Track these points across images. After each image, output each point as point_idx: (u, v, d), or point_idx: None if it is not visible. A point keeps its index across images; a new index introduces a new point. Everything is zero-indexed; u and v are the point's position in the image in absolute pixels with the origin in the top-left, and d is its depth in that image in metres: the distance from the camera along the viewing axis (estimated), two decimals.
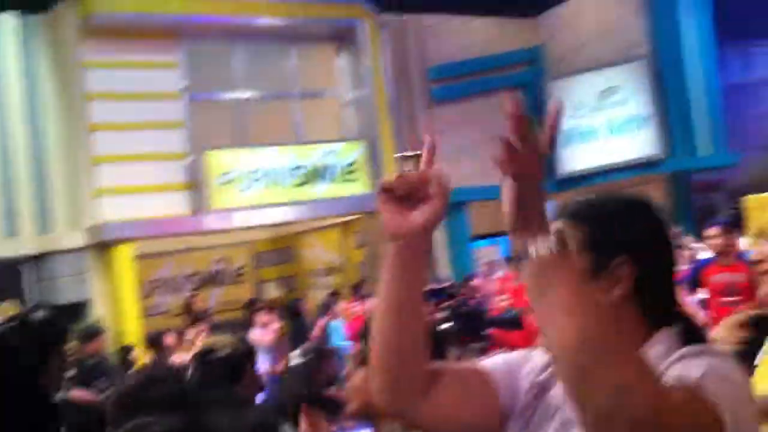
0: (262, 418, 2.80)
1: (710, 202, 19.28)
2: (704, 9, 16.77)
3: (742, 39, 20.84)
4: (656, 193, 16.60)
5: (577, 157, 16.00)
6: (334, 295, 11.69)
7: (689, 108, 16.27)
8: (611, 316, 1.19)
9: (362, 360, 2.77)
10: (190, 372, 3.03)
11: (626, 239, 1.34)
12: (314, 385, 3.34)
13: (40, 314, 2.66)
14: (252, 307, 10.59)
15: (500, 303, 9.60)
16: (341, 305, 10.84)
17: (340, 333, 10.56)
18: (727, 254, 6.69)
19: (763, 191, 19.85)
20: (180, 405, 2.08)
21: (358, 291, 11.92)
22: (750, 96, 21.38)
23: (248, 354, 3.14)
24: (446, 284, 11.32)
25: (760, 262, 1.55)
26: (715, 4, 16.93)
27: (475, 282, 12.00)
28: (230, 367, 2.98)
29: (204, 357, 3.03)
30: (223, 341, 3.14)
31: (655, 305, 1.32)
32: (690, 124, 16.26)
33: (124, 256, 10.73)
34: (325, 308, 11.06)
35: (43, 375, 2.49)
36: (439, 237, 14.89)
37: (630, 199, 1.44)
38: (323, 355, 4.17)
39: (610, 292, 1.30)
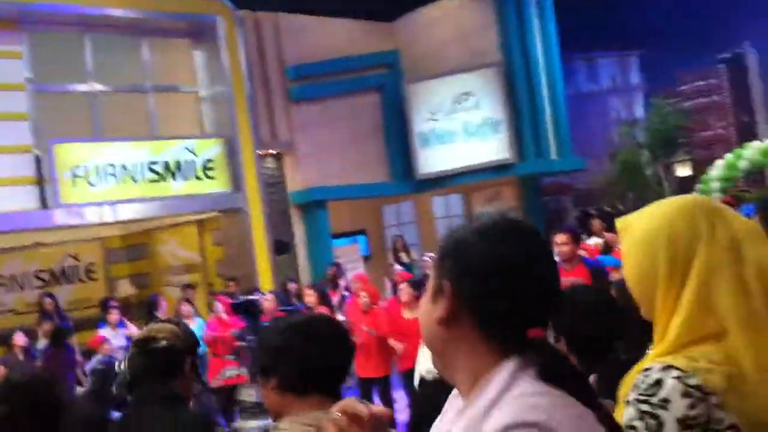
0: (194, 418, 2.66)
1: (559, 204, 20.35)
2: (551, 20, 17.69)
3: (587, 50, 22.16)
4: (509, 195, 17.36)
5: (435, 158, 16.47)
6: (189, 287, 11.53)
7: (538, 114, 17.04)
8: (446, 333, 1.36)
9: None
10: (125, 361, 2.76)
11: (456, 264, 1.36)
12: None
13: None
14: (106, 305, 10.32)
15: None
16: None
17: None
18: (572, 260, 7.05)
19: (606, 195, 21.16)
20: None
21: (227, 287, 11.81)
22: (595, 104, 22.77)
23: (191, 347, 2.83)
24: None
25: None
26: (560, 16, 17.91)
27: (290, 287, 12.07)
28: (169, 361, 2.68)
29: (144, 346, 2.70)
30: (164, 330, 2.76)
31: (499, 331, 1.32)
32: (539, 129, 17.03)
33: None
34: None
35: None
36: (299, 234, 15.00)
37: (486, 225, 1.39)
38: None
39: (437, 309, 1.37)
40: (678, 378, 1.47)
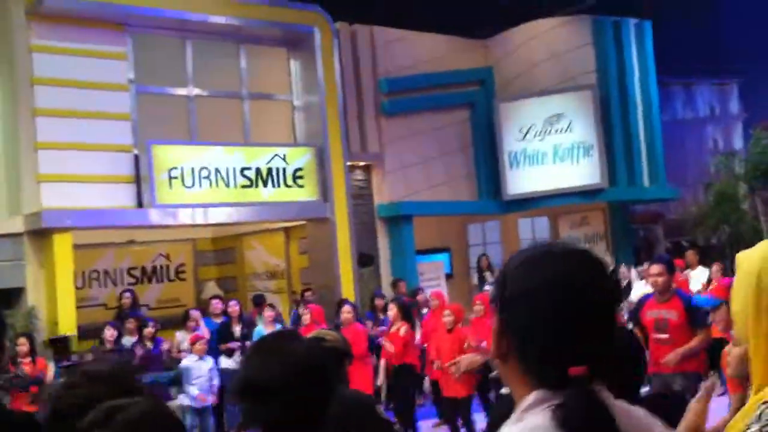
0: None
1: (649, 233, 19.78)
2: (648, 43, 17.32)
3: (685, 76, 21.60)
4: (597, 221, 16.97)
5: (524, 179, 16.26)
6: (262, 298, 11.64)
7: (632, 140, 16.68)
8: (503, 365, 1.36)
9: None
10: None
11: (501, 295, 1.35)
12: None
13: None
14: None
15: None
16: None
17: None
18: (666, 291, 6.87)
19: (698, 225, 20.45)
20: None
21: (302, 297, 11.89)
22: (690, 132, 22.12)
23: (348, 353, 3.23)
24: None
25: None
26: (659, 39, 17.51)
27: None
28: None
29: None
30: (331, 334, 3.22)
31: (536, 367, 1.30)
32: (632, 155, 16.66)
33: (63, 244, 10.46)
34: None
35: None
36: (383, 248, 14.96)
37: (531, 254, 1.36)
38: None
39: (494, 345, 1.37)
40: None
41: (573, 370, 1.26)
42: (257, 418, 1.83)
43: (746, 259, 1.64)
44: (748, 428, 1.52)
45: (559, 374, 1.26)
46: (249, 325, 10.75)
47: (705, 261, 13.01)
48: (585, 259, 1.34)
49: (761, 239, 1.70)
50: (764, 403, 1.52)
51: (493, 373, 3.61)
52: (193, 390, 9.09)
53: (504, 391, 3.72)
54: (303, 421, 1.81)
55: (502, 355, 1.34)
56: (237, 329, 10.46)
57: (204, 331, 10.04)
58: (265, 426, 1.83)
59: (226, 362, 10.13)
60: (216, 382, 9.49)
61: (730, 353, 1.62)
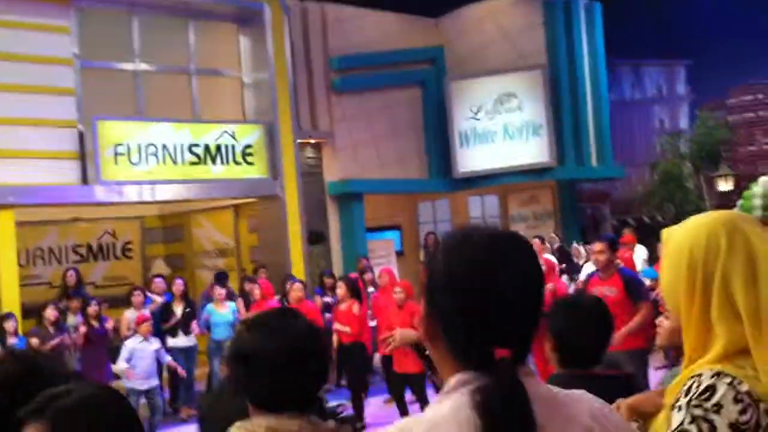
0: None
1: (596, 212, 20.12)
2: (598, 25, 17.51)
3: (634, 57, 21.90)
4: (545, 199, 17.21)
5: (474, 158, 16.38)
6: (223, 274, 11.57)
7: (581, 120, 16.89)
8: (430, 347, 1.38)
9: None
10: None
11: (426, 279, 1.37)
12: None
13: None
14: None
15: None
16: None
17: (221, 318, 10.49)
18: (608, 269, 7.01)
19: (644, 204, 20.88)
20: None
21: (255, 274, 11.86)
22: (637, 113, 22.47)
23: None
24: None
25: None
26: (608, 21, 17.71)
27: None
28: None
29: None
30: None
31: (460, 349, 1.30)
32: (581, 135, 16.88)
33: (5, 221, 10.24)
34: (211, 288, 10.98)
35: None
36: (334, 226, 14.98)
37: (453, 236, 1.38)
38: None
39: (420, 326, 1.39)
40: (730, 384, 1.51)
41: (499, 352, 1.28)
42: (248, 389, 1.89)
43: (674, 235, 1.67)
44: (677, 401, 1.56)
45: (483, 357, 1.28)
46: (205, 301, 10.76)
47: (644, 239, 13.32)
48: (507, 241, 1.35)
49: None
50: (695, 377, 1.55)
51: None
52: (120, 365, 8.96)
53: None
54: (292, 397, 1.86)
55: (429, 338, 1.36)
56: (179, 309, 10.40)
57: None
58: (254, 397, 1.88)
59: (172, 341, 10.10)
60: (168, 359, 9.48)
61: (660, 325, 1.69)
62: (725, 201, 19.15)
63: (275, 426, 1.82)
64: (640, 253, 12.25)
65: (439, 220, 17.26)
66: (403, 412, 8.76)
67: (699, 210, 20.59)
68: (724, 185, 19.75)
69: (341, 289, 9.61)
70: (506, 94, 16.46)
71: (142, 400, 9.12)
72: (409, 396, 8.86)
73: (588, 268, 11.02)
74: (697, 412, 1.51)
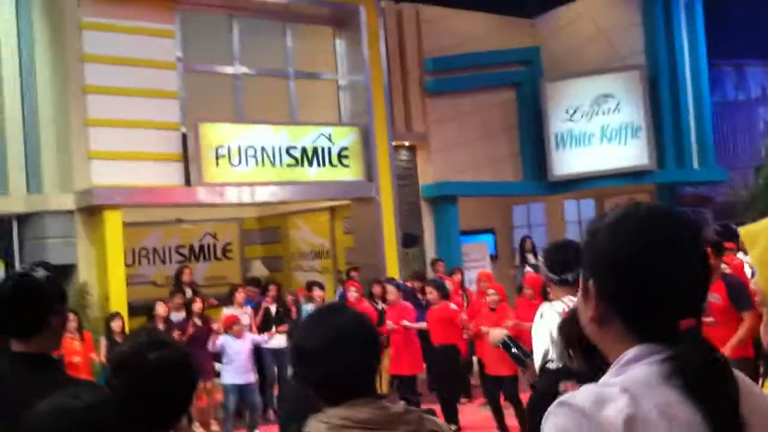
0: None
1: (698, 216, 19.43)
2: (699, 23, 16.94)
3: (736, 58, 21.11)
4: None
5: (570, 160, 16.04)
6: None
7: (681, 121, 16.37)
8: (599, 330, 1.35)
9: None
10: None
11: (593, 260, 1.34)
12: None
13: (42, 273, 2.57)
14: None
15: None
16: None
17: None
18: (712, 275, 6.71)
19: (748, 209, 20.05)
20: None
21: (348, 276, 11.89)
22: (740, 114, 21.61)
23: None
24: None
25: (757, 293, 1.61)
26: (709, 20, 17.11)
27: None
28: None
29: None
30: None
31: (646, 326, 1.29)
32: (681, 137, 16.36)
33: (113, 221, 10.55)
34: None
35: (47, 332, 2.46)
36: (428, 229, 14.89)
37: (618, 216, 1.35)
38: None
39: (589, 309, 1.36)
40: None
41: (685, 322, 1.27)
42: (306, 380, 2.01)
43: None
44: None
45: (668, 329, 1.27)
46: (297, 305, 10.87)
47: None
48: (670, 217, 1.34)
49: None
50: None
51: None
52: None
53: (550, 365, 3.69)
54: (348, 383, 1.95)
55: (599, 318, 1.33)
56: (272, 308, 10.60)
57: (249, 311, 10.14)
58: (314, 387, 1.98)
59: (271, 342, 10.19)
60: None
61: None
62: None
63: (348, 415, 1.89)
64: (747, 259, 11.71)
65: (533, 223, 16.97)
66: (498, 415, 8.61)
67: None
68: None
69: (432, 294, 9.51)
70: (603, 95, 16.07)
71: (236, 398, 9.24)
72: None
73: None
74: None
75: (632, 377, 1.25)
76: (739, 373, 1.29)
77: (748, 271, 11.19)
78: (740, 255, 11.94)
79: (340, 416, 1.90)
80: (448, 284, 10.74)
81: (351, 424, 1.89)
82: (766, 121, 22.46)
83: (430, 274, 14.07)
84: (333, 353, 1.94)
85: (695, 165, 16.61)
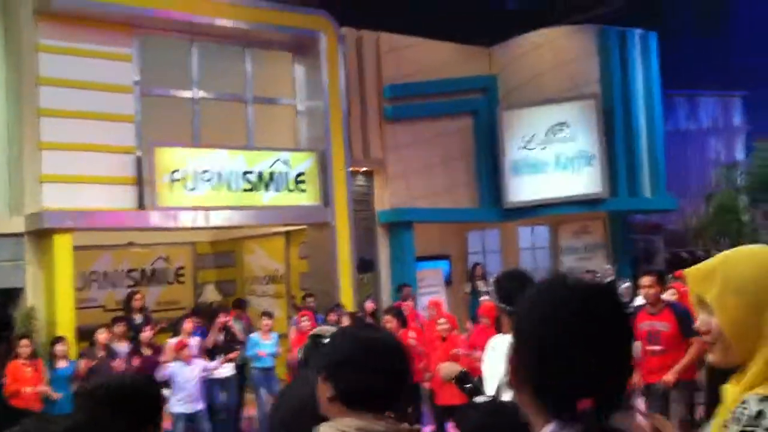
0: None
1: (649, 244, 19.79)
2: (653, 55, 17.32)
3: (688, 88, 21.62)
4: (597, 231, 16.98)
5: (525, 188, 16.25)
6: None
7: (635, 150, 16.68)
8: (518, 393, 1.38)
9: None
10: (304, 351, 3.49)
11: (515, 330, 1.39)
12: None
13: None
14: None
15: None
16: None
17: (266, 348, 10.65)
18: (657, 303, 6.91)
19: (698, 237, 20.47)
20: None
21: (303, 303, 11.93)
22: (692, 144, 22.14)
23: None
24: None
25: (705, 333, 1.66)
26: (663, 53, 17.51)
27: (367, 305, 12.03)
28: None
29: (314, 339, 3.40)
30: (330, 330, 3.56)
31: (547, 400, 1.31)
32: (634, 165, 16.66)
33: (63, 245, 10.44)
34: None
35: None
36: (383, 254, 14.96)
37: (541, 288, 1.38)
38: None
39: (512, 373, 1.39)
40: None
41: (582, 403, 1.27)
42: (338, 388, 2.08)
43: (746, 266, 1.69)
44: (726, 426, 1.60)
45: (570, 407, 1.28)
46: (248, 331, 10.87)
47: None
48: (597, 294, 1.35)
49: None
50: (740, 404, 1.60)
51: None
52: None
53: (479, 399, 3.76)
54: (374, 392, 2.05)
55: (517, 385, 1.36)
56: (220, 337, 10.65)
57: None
58: (342, 395, 2.06)
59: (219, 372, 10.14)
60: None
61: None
62: None
63: (364, 426, 1.97)
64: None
65: (488, 250, 17.14)
66: None
67: (754, 243, 20.05)
68: None
69: (391, 324, 9.54)
70: (559, 123, 16.33)
71: (186, 426, 9.18)
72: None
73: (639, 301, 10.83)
74: None
75: None
76: None
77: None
78: None
79: (356, 427, 1.97)
80: (404, 309, 10.81)
81: None
82: (717, 151, 23.03)
83: (386, 300, 14.18)
84: (374, 363, 2.06)
85: (647, 193, 16.92)
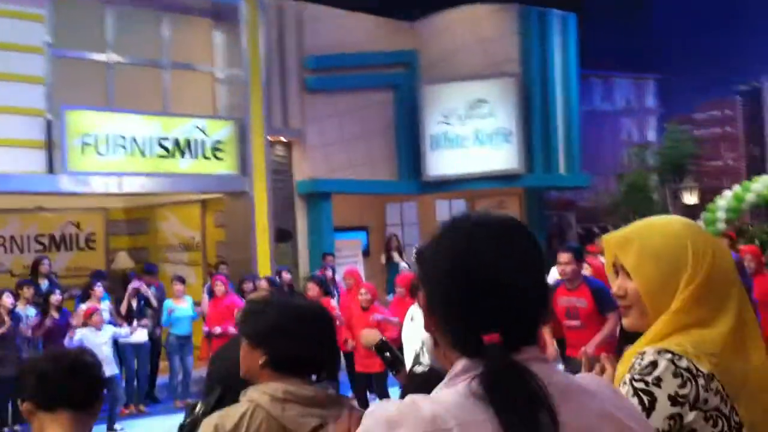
0: None
1: (562, 220, 20.35)
2: (572, 36, 17.71)
3: (604, 69, 22.18)
4: (513, 206, 17.37)
5: (444, 162, 16.47)
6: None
7: (551, 128, 17.07)
8: (430, 334, 1.38)
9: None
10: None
11: (419, 270, 1.37)
12: None
13: None
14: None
15: None
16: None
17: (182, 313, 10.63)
18: (574, 279, 7.04)
19: (609, 214, 21.14)
20: None
21: (216, 270, 11.90)
22: (606, 124, 22.78)
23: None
24: None
25: (621, 297, 1.70)
26: (581, 33, 17.92)
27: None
28: None
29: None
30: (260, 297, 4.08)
31: (453, 337, 1.30)
32: (550, 143, 17.06)
33: None
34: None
35: None
36: (301, 225, 15.00)
37: (446, 226, 1.36)
38: None
39: (424, 318, 1.39)
40: (671, 360, 1.64)
41: (487, 338, 1.25)
42: (269, 355, 2.11)
43: (656, 235, 1.79)
44: (624, 378, 1.69)
45: (474, 344, 1.26)
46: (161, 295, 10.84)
47: None
48: (495, 226, 1.33)
49: None
50: (639, 354, 1.69)
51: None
52: None
53: (417, 369, 3.84)
54: (304, 359, 2.12)
55: (431, 330, 1.35)
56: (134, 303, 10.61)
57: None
58: (273, 362, 2.10)
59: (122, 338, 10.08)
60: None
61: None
62: (689, 214, 19.41)
63: (293, 391, 2.03)
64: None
65: (406, 222, 17.34)
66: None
67: None
68: (689, 198, 20.08)
69: (313, 291, 9.60)
70: (478, 100, 16.58)
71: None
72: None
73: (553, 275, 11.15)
74: (639, 385, 1.64)
75: (442, 398, 1.24)
76: (565, 378, 1.30)
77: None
78: (602, 258, 12.61)
79: (284, 390, 2.03)
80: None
81: (294, 398, 2.03)
82: (629, 132, 23.73)
83: (302, 270, 14.25)
84: (305, 331, 2.13)
85: (562, 170, 17.35)
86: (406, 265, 13.63)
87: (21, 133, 10.77)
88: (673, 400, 1.62)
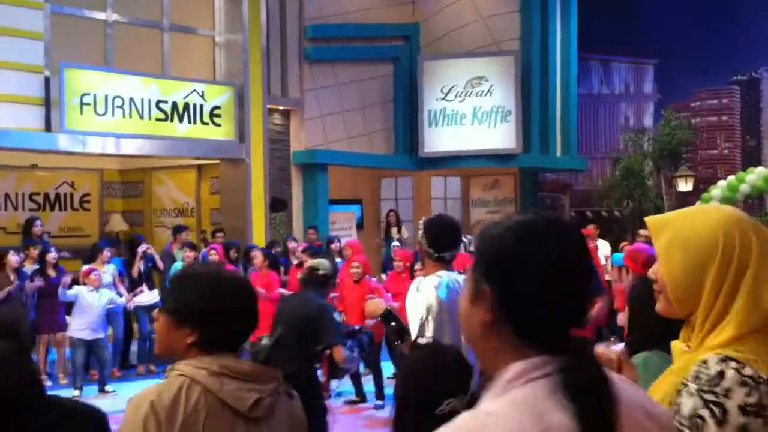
0: None
1: (555, 202, 20.35)
2: (573, 18, 17.63)
3: (603, 53, 22.14)
4: (507, 185, 17.35)
5: (441, 138, 16.42)
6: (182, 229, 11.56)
7: (549, 109, 17.03)
8: (487, 332, 1.32)
9: None
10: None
11: (491, 263, 1.33)
12: None
13: None
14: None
15: None
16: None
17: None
18: None
19: (603, 198, 21.16)
20: None
21: (212, 238, 11.84)
22: (603, 108, 22.77)
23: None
24: None
25: (654, 281, 1.68)
26: (582, 16, 17.85)
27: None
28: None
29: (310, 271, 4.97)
30: (325, 264, 5.07)
31: (538, 335, 1.28)
32: (547, 125, 17.02)
33: None
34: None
35: None
36: (296, 195, 14.94)
37: (523, 223, 1.36)
38: None
39: (480, 313, 1.34)
40: (736, 369, 1.61)
41: (576, 332, 1.26)
42: (200, 336, 2.03)
43: (688, 224, 1.72)
44: (685, 386, 1.63)
45: (560, 337, 1.27)
46: (168, 258, 10.81)
47: (604, 235, 13.46)
48: (568, 228, 1.36)
49: None
50: (702, 363, 1.63)
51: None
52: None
53: (421, 340, 3.79)
54: (233, 335, 2.05)
55: (490, 322, 1.31)
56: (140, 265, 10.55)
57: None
58: (203, 339, 2.02)
59: (135, 299, 10.05)
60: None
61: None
62: (684, 201, 19.49)
63: (228, 364, 1.97)
64: (603, 249, 12.27)
65: (400, 197, 17.30)
66: (356, 381, 8.83)
67: (657, 208, 20.90)
68: (684, 186, 20.07)
69: (258, 259, 9.74)
70: (478, 77, 16.51)
71: (84, 353, 9.13)
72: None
73: None
74: (709, 397, 1.60)
75: (518, 398, 1.21)
76: (620, 383, 1.31)
77: (601, 256, 11.84)
78: (600, 243, 12.60)
79: (219, 364, 1.96)
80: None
81: (230, 372, 1.96)
82: (626, 116, 23.71)
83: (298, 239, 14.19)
84: (232, 306, 2.04)
85: (558, 153, 17.34)
86: (398, 243, 13.57)
87: (19, 89, 10.63)
88: (743, 410, 1.58)
